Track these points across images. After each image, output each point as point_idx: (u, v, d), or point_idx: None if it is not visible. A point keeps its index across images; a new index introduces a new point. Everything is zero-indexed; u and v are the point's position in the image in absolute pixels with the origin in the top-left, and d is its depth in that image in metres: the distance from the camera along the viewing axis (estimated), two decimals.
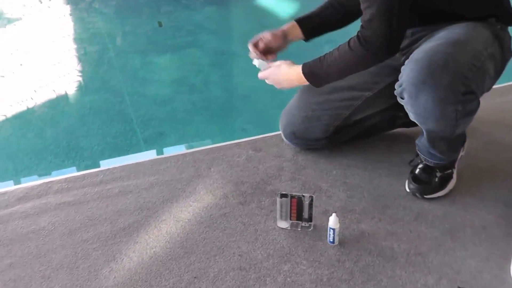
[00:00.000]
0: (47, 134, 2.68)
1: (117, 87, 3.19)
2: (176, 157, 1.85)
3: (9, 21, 4.49)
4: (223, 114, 2.92)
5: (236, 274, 1.33)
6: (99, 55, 3.72)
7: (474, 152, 1.76)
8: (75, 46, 3.90)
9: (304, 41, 1.77)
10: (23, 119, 2.87)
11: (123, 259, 1.38)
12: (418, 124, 1.47)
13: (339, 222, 1.39)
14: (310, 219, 1.46)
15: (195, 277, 1.32)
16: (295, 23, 1.74)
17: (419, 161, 1.61)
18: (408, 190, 1.61)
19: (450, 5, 1.47)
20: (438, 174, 1.58)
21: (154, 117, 2.81)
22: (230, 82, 3.42)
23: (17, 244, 1.45)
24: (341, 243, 1.42)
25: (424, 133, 1.50)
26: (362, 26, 1.42)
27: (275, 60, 1.70)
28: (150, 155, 2.41)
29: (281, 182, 1.68)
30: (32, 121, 2.85)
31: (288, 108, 1.79)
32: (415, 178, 1.60)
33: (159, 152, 2.46)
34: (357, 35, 1.42)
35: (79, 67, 3.51)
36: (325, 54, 1.51)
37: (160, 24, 4.31)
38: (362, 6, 1.39)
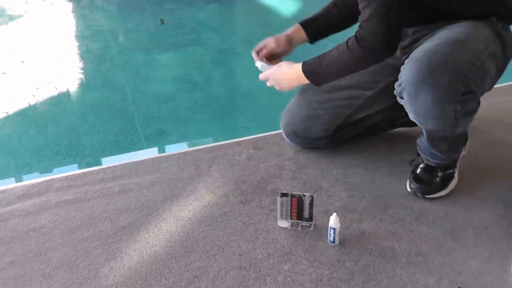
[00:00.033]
0: (48, 132, 2.69)
1: (119, 85, 3.19)
2: (177, 155, 1.85)
3: (11, 18, 4.50)
4: (225, 112, 2.92)
5: (236, 273, 1.32)
6: (101, 53, 3.72)
7: (474, 151, 1.75)
8: (77, 44, 3.90)
9: (309, 44, 1.76)
10: (25, 116, 2.87)
11: (123, 258, 1.38)
12: (418, 124, 1.46)
13: (339, 222, 1.38)
14: (310, 218, 1.45)
15: (195, 276, 1.32)
16: (299, 26, 1.73)
17: (420, 161, 1.61)
18: (409, 189, 1.61)
19: (449, 4, 1.46)
20: (440, 174, 1.57)
21: (156, 115, 2.81)
22: (232, 80, 3.42)
23: (17, 242, 1.45)
24: (342, 242, 1.41)
25: (424, 133, 1.49)
26: (360, 26, 1.41)
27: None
28: (151, 153, 2.41)
29: (281, 181, 1.68)
30: (33, 118, 2.86)
31: (289, 107, 1.79)
32: (416, 178, 1.59)
33: (161, 150, 2.46)
34: (355, 35, 1.42)
35: (81, 65, 3.52)
36: (324, 53, 1.51)
37: (162, 22, 4.31)
38: (360, 6, 1.38)
